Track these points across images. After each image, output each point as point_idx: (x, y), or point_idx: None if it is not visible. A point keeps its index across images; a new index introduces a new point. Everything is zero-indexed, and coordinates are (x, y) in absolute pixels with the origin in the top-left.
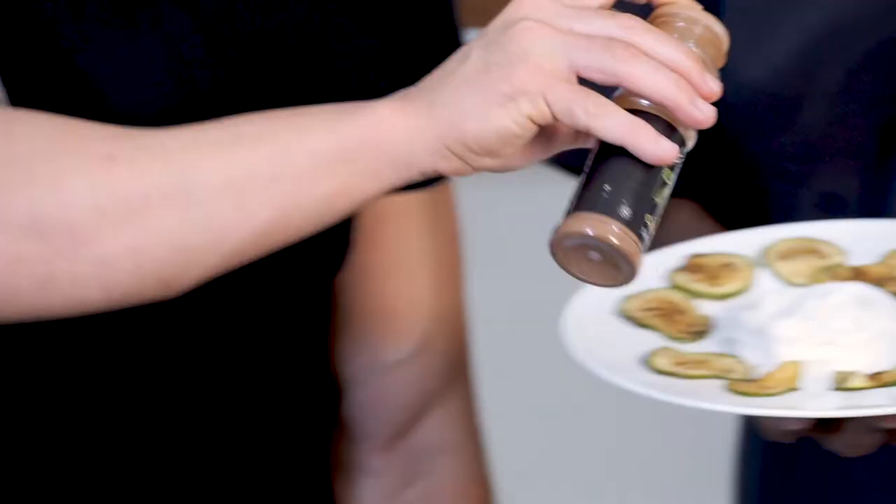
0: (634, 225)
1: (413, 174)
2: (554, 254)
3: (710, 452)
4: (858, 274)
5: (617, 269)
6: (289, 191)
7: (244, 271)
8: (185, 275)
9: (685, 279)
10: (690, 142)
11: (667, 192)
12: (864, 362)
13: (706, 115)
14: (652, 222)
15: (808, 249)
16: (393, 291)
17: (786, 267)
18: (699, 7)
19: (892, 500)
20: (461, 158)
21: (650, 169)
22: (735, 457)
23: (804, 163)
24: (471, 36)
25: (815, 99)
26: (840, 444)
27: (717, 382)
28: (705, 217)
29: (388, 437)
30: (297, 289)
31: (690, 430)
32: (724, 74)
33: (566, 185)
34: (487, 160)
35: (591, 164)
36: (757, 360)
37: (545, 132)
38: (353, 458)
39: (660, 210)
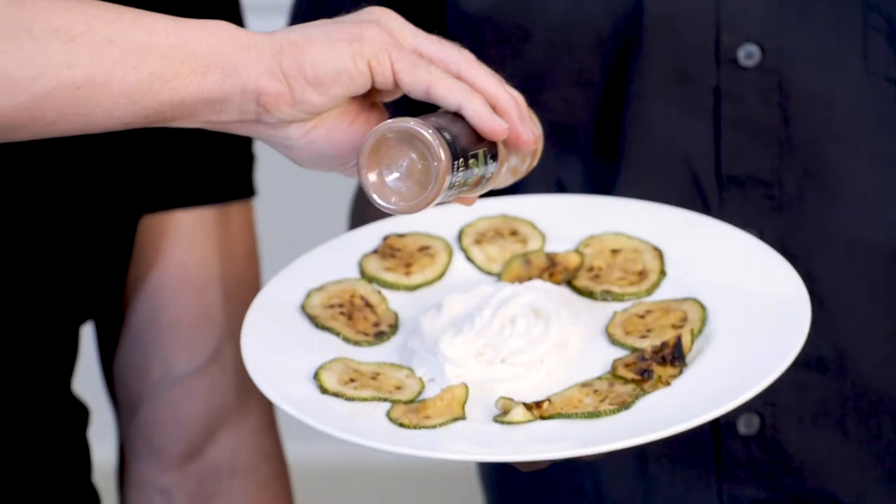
0: (452, 153)
1: (237, 85)
2: (361, 153)
3: None
4: (552, 262)
5: (421, 184)
6: (118, 56)
7: None
8: None
9: (376, 267)
10: (503, 169)
11: (475, 171)
12: (534, 381)
13: (530, 138)
14: (461, 172)
15: (508, 230)
16: (181, 305)
17: (481, 252)
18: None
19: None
20: (289, 82)
21: (476, 141)
22: None
23: (531, 93)
24: None
25: (538, 29)
26: (515, 463)
27: (382, 407)
28: None
29: (180, 456)
30: (43, 334)
31: None
32: (448, 6)
33: None
34: (312, 94)
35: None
36: (429, 375)
37: (363, 109)
38: (145, 477)
39: (468, 180)
